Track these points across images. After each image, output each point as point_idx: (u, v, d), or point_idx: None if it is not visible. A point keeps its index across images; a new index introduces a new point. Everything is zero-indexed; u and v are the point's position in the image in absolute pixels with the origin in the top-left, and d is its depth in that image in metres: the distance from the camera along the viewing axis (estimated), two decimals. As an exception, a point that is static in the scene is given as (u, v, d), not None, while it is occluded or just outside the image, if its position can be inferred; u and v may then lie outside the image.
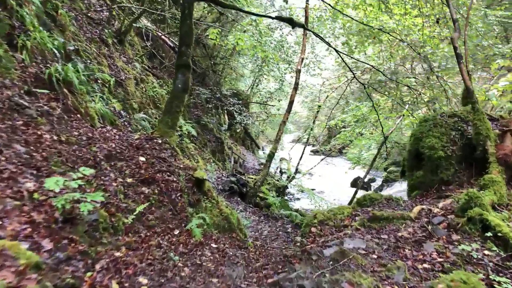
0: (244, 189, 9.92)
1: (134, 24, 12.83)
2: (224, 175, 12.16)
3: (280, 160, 20.20)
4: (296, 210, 10.84)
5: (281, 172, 18.80)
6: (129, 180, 4.18)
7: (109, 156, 4.36)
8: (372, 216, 3.95)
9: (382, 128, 10.27)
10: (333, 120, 17.48)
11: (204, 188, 5.14)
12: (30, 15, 5.60)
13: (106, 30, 11.23)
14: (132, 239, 3.25)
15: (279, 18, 7.33)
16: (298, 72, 11.08)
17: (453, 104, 8.75)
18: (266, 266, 3.71)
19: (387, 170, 23.30)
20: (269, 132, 28.20)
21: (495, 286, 2.73)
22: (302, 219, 7.71)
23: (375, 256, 3.16)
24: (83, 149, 4.10)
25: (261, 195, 10.34)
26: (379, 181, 23.16)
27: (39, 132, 3.73)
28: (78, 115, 5.08)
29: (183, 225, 4.27)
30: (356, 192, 11.69)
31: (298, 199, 16.51)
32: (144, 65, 13.51)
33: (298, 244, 4.30)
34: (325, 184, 20.25)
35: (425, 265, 3.03)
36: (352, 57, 9.84)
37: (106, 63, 10.20)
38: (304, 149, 16.61)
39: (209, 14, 18.55)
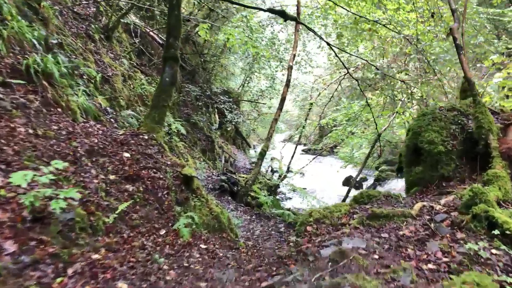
0: (235, 188, 9.66)
1: (122, 20, 12.54)
2: (214, 174, 11.89)
3: (272, 159, 19.98)
4: (288, 209, 10.61)
5: (273, 171, 18.57)
6: (112, 177, 3.90)
7: (90, 151, 4.07)
8: (371, 213, 3.73)
9: (376, 125, 10.09)
10: (324, 119, 17.33)
11: (193, 186, 4.88)
12: (9, 4, 5.29)
13: (92, 26, 10.93)
14: (113, 240, 2.98)
15: (271, 11, 7.10)
16: (290, 68, 10.87)
17: (449, 98, 8.61)
18: (259, 268, 3.46)
19: (379, 169, 23.20)
20: (260, 131, 27.97)
21: (507, 287, 2.52)
22: (295, 218, 7.47)
23: (376, 257, 2.94)
24: (62, 143, 3.81)
25: (252, 194, 10.09)
26: (370, 180, 23.06)
27: (12, 125, 3.44)
28: (59, 109, 4.78)
29: (170, 224, 4.01)
30: (348, 191, 11.50)
31: (290, 198, 16.30)
32: (132, 62, 13.20)
33: (293, 244, 4.05)
34: (317, 183, 20.06)
35: (430, 266, 2.81)
36: (345, 51, 9.63)
37: (93, 59, 9.92)
38: (295, 148, 16.42)
39: (199, 11, 18.27)
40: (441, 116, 5.35)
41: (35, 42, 5.45)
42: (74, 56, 8.83)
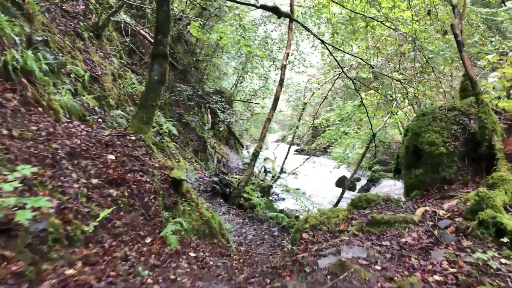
0: (227, 190, 9.41)
1: (112, 18, 12.28)
2: (206, 175, 11.63)
3: (265, 159, 19.77)
4: (281, 211, 10.40)
5: (266, 172, 18.36)
6: (94, 181, 3.64)
7: (72, 154, 3.81)
8: (371, 219, 3.51)
9: (371, 125, 9.90)
10: (318, 119, 17.17)
11: (182, 189, 4.63)
12: (-13, -3, 5.02)
13: (81, 24, 10.66)
14: (91, 251, 2.72)
15: (265, 7, 6.88)
16: (283, 67, 10.64)
17: (447, 98, 8.45)
18: (252, 280, 3.22)
19: (372, 169, 23.12)
20: (253, 131, 27.74)
21: (520, 302, 2.32)
22: (289, 221, 7.25)
23: (378, 268, 2.72)
24: (40, 145, 3.54)
25: (245, 195, 9.86)
26: (363, 181, 22.97)
27: (-16, 125, 3.17)
28: (39, 108, 4.51)
29: (157, 231, 3.76)
30: (343, 193, 11.33)
31: (283, 199, 16.11)
32: (123, 61, 12.93)
33: (288, 251, 3.82)
34: (310, 184, 19.91)
35: (437, 277, 2.60)
36: (339, 50, 9.43)
37: (81, 58, 9.66)
38: (289, 148, 16.24)
39: (191, 10, 18.01)
40: (441, 116, 5.15)
41: (16, 38, 5.17)
42: (61, 54, 8.57)
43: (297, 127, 17.15)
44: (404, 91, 9.87)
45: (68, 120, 5.12)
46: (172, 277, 3.01)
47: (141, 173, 4.30)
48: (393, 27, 7.84)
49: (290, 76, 20.23)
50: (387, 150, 22.42)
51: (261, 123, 21.46)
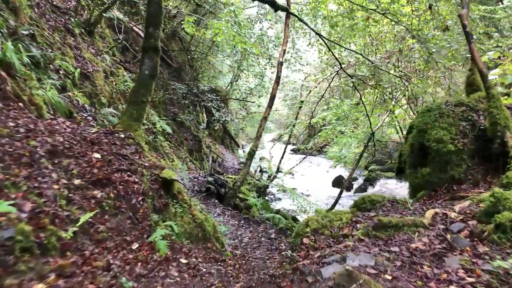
0: (222, 190, 9.11)
1: (105, 15, 12.00)
2: (201, 175, 11.33)
3: (261, 159, 19.50)
4: (278, 211, 10.13)
5: (261, 171, 18.09)
6: (76, 181, 3.35)
7: (53, 152, 3.51)
8: (378, 223, 3.24)
9: (370, 123, 9.65)
10: (314, 118, 16.96)
11: (173, 190, 4.34)
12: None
13: (72, 20, 10.38)
14: (68, 260, 2.43)
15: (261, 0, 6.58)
16: (280, 64, 10.37)
17: (450, 93, 8.20)
18: (248, 290, 2.94)
19: (369, 169, 22.91)
20: (249, 130, 27.47)
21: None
22: (286, 223, 6.96)
23: (388, 277, 2.45)
24: (16, 143, 3.25)
25: (241, 195, 9.58)
26: (360, 180, 22.77)
27: (-48, 121, 2.87)
28: (20, 104, 4.20)
29: (145, 236, 3.47)
30: (341, 193, 11.07)
31: (280, 199, 15.86)
32: (115, 58, 12.64)
33: (288, 259, 3.53)
34: (307, 183, 19.67)
35: (453, 288, 2.33)
36: (338, 44, 9.16)
37: (72, 54, 9.37)
38: (285, 148, 16.00)
39: (187, 7, 17.72)
40: (448, 112, 4.88)
41: (-5, 30, 4.87)
42: (50, 50, 8.30)
43: (293, 126, 16.90)
44: (404, 88, 9.62)
45: (52, 117, 4.81)
46: (160, 288, 2.72)
47: (129, 173, 4.01)
48: (395, 20, 7.56)
49: (286, 75, 20.00)
50: (383, 149, 22.24)
51: (257, 122, 21.21)
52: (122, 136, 4.92)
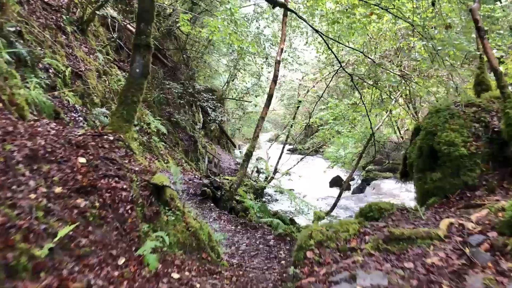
0: (219, 193, 8.82)
1: (98, 13, 11.75)
2: (196, 176, 11.04)
3: (257, 159, 19.22)
4: (275, 213, 9.89)
5: (258, 172, 17.83)
6: (57, 189, 3.04)
7: (32, 157, 3.20)
8: (389, 235, 2.95)
9: (371, 123, 9.40)
10: (311, 118, 16.76)
11: (165, 196, 4.04)
12: None
13: (64, 17, 10.10)
14: (41, 283, 2.13)
15: (258, -5, 6.28)
16: (277, 63, 10.10)
17: (453, 93, 7.94)
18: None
19: (365, 169, 22.70)
20: (246, 130, 27.25)
21: None
22: (285, 228, 6.68)
23: (405, 300, 2.18)
24: (-11, 147, 2.94)
25: (237, 198, 9.31)
26: (357, 180, 22.55)
27: None
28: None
29: (133, 249, 3.17)
30: (340, 194, 10.81)
31: (277, 200, 15.62)
32: (109, 57, 12.36)
33: (290, 277, 3.23)
34: (304, 184, 19.42)
35: (478, 313, 2.05)
36: (338, 42, 8.89)
37: (63, 53, 9.09)
38: (283, 148, 15.76)
39: (183, 5, 17.44)
40: (459, 113, 4.60)
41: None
42: (40, 48, 8.03)
43: (291, 126, 16.66)
44: (405, 87, 9.36)
45: (36, 118, 4.51)
46: (147, 312, 2.43)
47: (117, 179, 3.71)
48: (399, 15, 7.29)
49: (284, 74, 19.77)
50: (381, 149, 22.04)
51: (253, 122, 20.98)
52: (111, 138, 4.62)
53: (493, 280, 2.35)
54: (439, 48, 6.31)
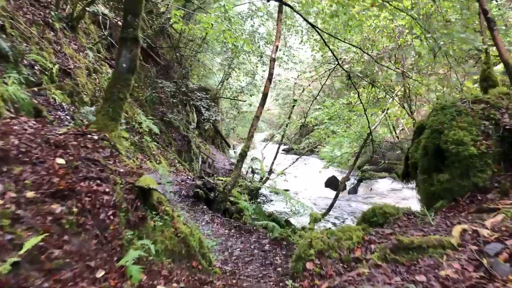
0: (212, 195, 8.51)
1: (88, 9, 11.45)
2: (189, 177, 10.72)
3: (252, 159, 18.96)
4: (271, 215, 9.62)
5: (253, 172, 17.56)
6: (29, 193, 2.74)
7: (2, 157, 2.90)
8: (397, 244, 2.66)
9: (369, 122, 9.15)
10: (307, 117, 16.55)
11: (152, 200, 3.74)
12: None
13: (52, 13, 9.82)
14: (-2, 306, 1.83)
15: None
16: (272, 61, 9.80)
17: (455, 90, 7.72)
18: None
19: (361, 169, 22.52)
20: (240, 130, 26.99)
21: None
22: (281, 231, 6.38)
23: (421, 322, 1.90)
24: (-47, 147, 2.64)
25: (232, 199, 9.02)
26: (352, 180, 22.37)
27: None
28: (-29, 100, 3.59)
29: (114, 259, 2.87)
30: (337, 195, 10.55)
31: (272, 200, 15.34)
32: (100, 55, 12.06)
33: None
34: (299, 184, 19.18)
35: (505, 336, 1.78)
36: (335, 37, 8.62)
37: (51, 49, 8.79)
38: (278, 148, 15.51)
39: (178, 1, 17.15)
40: (466, 110, 4.33)
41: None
42: (25, 44, 7.75)
43: (287, 125, 16.41)
44: (403, 85, 9.13)
45: (13, 116, 4.19)
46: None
47: (98, 181, 3.40)
48: (400, 8, 7.04)
49: (279, 73, 19.53)
50: (377, 149, 21.86)
51: (248, 122, 20.75)
52: (96, 137, 4.32)
53: (517, 295, 2.08)
54: (442, 42, 6.06)
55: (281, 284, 3.49)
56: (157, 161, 11.65)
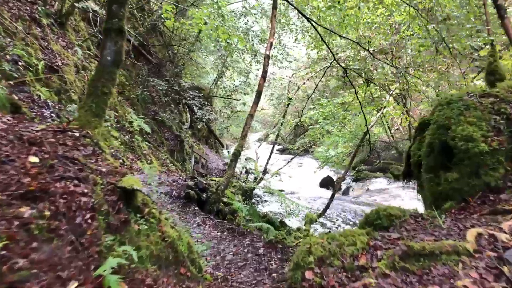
0: (204, 195, 8.20)
1: (77, 5, 11.17)
2: (181, 178, 10.41)
3: (246, 159, 18.70)
4: (265, 216, 9.34)
5: (247, 172, 17.30)
6: (-5, 195, 2.44)
7: (-36, 155, 2.60)
8: (407, 250, 2.38)
9: (366, 120, 8.90)
10: (302, 117, 16.34)
11: (136, 202, 3.44)
12: None
13: (40, 9, 9.55)
14: None
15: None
16: (266, 58, 9.52)
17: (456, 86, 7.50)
18: None
19: (356, 169, 22.37)
20: (234, 130, 26.74)
21: None
22: (276, 234, 6.08)
23: None
24: None
25: (225, 199, 8.73)
26: (347, 180, 22.22)
27: None
28: None
29: (91, 268, 2.57)
30: (332, 196, 10.30)
31: (266, 201, 15.08)
32: (90, 53, 11.78)
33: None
34: (294, 184, 18.97)
35: None
36: (333, 32, 8.36)
37: (37, 45, 8.52)
38: (273, 148, 15.27)
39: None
40: (475, 104, 4.06)
41: None
42: (9, 39, 7.49)
43: (281, 125, 16.18)
44: (401, 81, 8.89)
45: (-15, 111, 3.88)
46: None
47: (76, 182, 3.09)
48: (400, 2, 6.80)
49: (273, 72, 19.30)
50: (372, 149, 21.75)
51: (242, 122, 20.52)
52: (77, 134, 4.01)
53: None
54: (445, 34, 5.81)
55: (276, 292, 3.22)
56: (148, 161, 11.34)
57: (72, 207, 2.84)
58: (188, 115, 19.32)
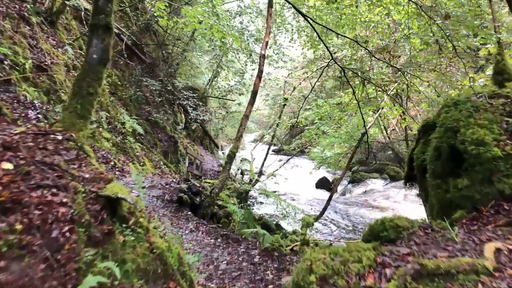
0: (197, 199, 7.94)
1: (69, 3, 10.94)
2: (175, 180, 10.14)
3: (241, 160, 18.47)
4: (260, 218, 9.12)
5: (243, 174, 17.06)
6: (-43, 208, 2.18)
7: None
8: (419, 269, 2.13)
9: (364, 121, 8.68)
10: (297, 118, 16.16)
11: (121, 211, 3.17)
12: None
13: (29, 7, 9.34)
14: None
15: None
16: (262, 57, 9.29)
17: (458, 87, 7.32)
18: None
19: (352, 170, 22.21)
20: (229, 130, 26.51)
21: None
22: (272, 241, 5.82)
23: None
24: None
25: (219, 202, 8.49)
26: (344, 181, 22.05)
27: None
28: None
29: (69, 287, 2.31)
30: (330, 198, 10.09)
31: (261, 203, 14.86)
32: (82, 52, 11.55)
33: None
34: (289, 185, 18.75)
35: None
36: (330, 29, 8.15)
37: (25, 44, 8.28)
38: (268, 149, 15.07)
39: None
40: (484, 105, 3.82)
41: None
42: (-5, 38, 7.24)
43: (277, 125, 15.97)
44: (400, 81, 8.71)
45: (-41, 112, 3.61)
46: None
47: (54, 190, 2.83)
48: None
49: (269, 72, 19.08)
50: (370, 149, 21.61)
51: (237, 122, 20.33)
52: (60, 138, 3.73)
53: None
54: (448, 32, 5.59)
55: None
56: (141, 163, 11.07)
57: (48, 219, 2.57)
58: (183, 116, 19.08)
